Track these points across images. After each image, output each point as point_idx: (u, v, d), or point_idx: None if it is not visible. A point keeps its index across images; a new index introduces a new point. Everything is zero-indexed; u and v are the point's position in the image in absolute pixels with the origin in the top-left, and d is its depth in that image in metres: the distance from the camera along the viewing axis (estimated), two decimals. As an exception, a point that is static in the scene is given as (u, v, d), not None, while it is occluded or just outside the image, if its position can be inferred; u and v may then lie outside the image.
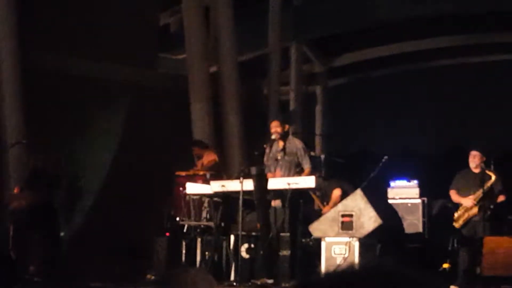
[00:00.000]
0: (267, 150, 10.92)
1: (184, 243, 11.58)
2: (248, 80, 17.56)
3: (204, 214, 11.67)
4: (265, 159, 10.94)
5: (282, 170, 10.71)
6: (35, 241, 11.08)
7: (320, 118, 20.09)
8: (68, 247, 11.78)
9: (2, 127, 13.44)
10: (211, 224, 11.19)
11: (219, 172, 12.40)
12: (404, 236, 12.49)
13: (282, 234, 10.15)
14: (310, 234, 10.19)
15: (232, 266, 10.47)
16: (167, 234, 12.21)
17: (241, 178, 9.95)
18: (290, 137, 10.98)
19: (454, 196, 11.13)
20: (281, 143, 10.82)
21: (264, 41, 17.77)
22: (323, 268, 9.65)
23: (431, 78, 18.83)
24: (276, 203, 10.51)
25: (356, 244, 9.65)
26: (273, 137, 10.83)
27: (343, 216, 9.87)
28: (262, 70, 18.26)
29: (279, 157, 10.81)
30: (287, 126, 10.99)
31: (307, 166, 10.73)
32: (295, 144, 10.86)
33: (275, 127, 10.79)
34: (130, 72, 15.46)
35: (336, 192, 11.61)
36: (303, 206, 10.49)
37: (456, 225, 10.93)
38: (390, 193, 14.33)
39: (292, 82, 19.07)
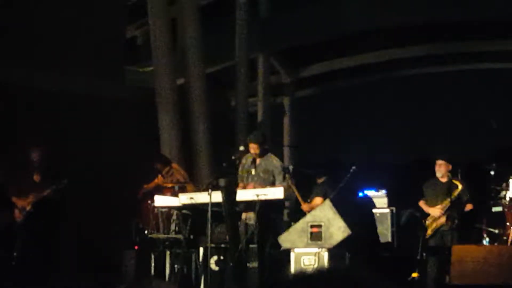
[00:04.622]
0: (243, 161, 10.84)
1: (153, 256, 11.53)
2: (216, 91, 17.56)
3: (173, 226, 11.61)
4: (239, 169, 10.86)
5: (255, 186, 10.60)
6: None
7: (288, 129, 20.14)
8: (35, 261, 11.65)
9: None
10: (180, 236, 11.14)
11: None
12: (378, 245, 12.58)
13: (250, 245, 10.12)
14: (279, 245, 10.18)
15: (201, 278, 10.42)
16: (136, 247, 12.14)
17: (210, 190, 9.91)
18: (269, 154, 10.84)
19: (423, 206, 11.19)
20: (257, 160, 10.75)
21: (231, 53, 17.78)
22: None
23: (398, 88, 18.97)
24: (247, 216, 10.43)
25: (325, 255, 9.66)
26: (253, 156, 10.74)
27: (312, 226, 9.88)
28: (229, 82, 18.27)
29: (253, 172, 10.74)
30: (265, 146, 10.86)
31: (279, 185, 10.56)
32: (273, 163, 10.71)
33: (254, 149, 10.67)
34: (96, 85, 15.39)
35: (317, 201, 11.61)
36: (272, 217, 10.46)
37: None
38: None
39: (260, 93, 19.10)
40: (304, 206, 11.65)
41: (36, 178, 11.32)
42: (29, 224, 11.05)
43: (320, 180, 12.47)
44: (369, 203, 14.04)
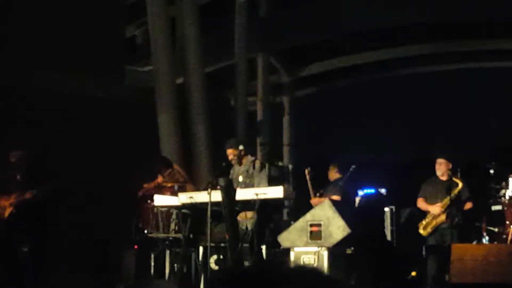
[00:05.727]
0: (231, 171, 10.87)
1: (152, 256, 11.54)
2: (215, 91, 17.55)
3: (172, 226, 11.61)
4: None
5: None
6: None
7: (287, 128, 20.14)
8: (33, 261, 11.66)
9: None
10: (180, 236, 11.14)
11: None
12: (384, 242, 12.63)
13: (244, 244, 10.10)
14: (279, 244, 10.19)
15: (201, 277, 10.43)
16: (136, 246, 12.14)
17: (209, 190, 9.90)
18: (248, 157, 10.87)
19: (421, 203, 11.19)
20: (238, 167, 10.77)
21: (231, 52, 17.78)
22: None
23: (398, 88, 18.96)
24: (247, 216, 10.40)
25: (325, 254, 9.65)
26: (232, 162, 10.76)
27: (311, 225, 9.88)
28: (229, 81, 18.27)
29: (240, 179, 10.75)
30: (241, 148, 10.82)
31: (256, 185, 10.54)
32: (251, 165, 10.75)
33: (230, 155, 10.71)
34: (96, 85, 15.38)
35: (334, 198, 11.66)
36: (272, 217, 10.47)
37: (424, 232, 10.98)
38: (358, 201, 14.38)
39: (259, 93, 19.10)
40: (314, 201, 11.77)
41: (20, 178, 11.33)
42: (13, 226, 11.03)
43: (334, 178, 12.55)
44: (382, 200, 14.09)
